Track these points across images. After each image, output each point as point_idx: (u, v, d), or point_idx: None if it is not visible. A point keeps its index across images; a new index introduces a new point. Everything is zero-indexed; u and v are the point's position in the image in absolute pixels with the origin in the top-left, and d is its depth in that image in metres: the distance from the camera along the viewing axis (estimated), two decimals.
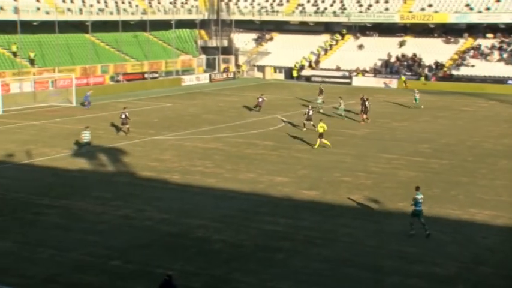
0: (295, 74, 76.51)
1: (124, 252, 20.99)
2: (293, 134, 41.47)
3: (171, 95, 61.54)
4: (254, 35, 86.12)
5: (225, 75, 77.00)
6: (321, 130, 36.63)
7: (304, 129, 42.32)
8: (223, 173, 31.24)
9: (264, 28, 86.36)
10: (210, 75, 74.97)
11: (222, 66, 79.85)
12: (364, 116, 44.93)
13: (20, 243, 21.59)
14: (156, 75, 70.45)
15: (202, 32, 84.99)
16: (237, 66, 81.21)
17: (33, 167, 32.35)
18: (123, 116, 40.67)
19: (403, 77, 69.40)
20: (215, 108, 52.95)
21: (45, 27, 65.73)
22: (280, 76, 78.28)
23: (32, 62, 61.47)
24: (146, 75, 69.07)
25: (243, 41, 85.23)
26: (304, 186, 28.95)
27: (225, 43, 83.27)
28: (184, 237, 22.46)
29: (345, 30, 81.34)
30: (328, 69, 75.66)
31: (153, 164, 32.90)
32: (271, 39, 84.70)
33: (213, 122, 45.94)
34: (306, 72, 76.32)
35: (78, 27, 71.22)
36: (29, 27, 64.37)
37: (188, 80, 71.83)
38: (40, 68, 61.41)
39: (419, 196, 22.48)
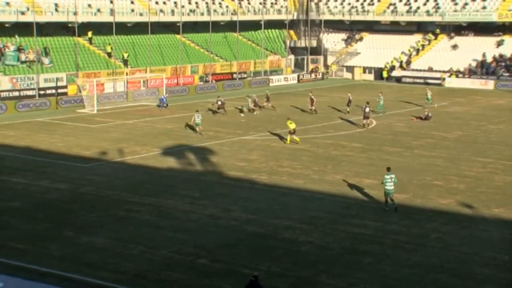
0: (385, 74, 75.34)
1: (211, 251, 21.27)
2: (381, 136, 40.87)
3: (259, 95, 61.85)
4: (343, 35, 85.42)
5: (313, 75, 76.78)
6: (292, 127, 37.57)
7: (364, 128, 42.46)
8: (310, 174, 31.14)
9: (353, 28, 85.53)
10: (298, 76, 74.95)
11: (311, 66, 79.65)
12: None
13: (113, 239, 22.29)
14: (244, 75, 71.12)
15: (291, 32, 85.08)
16: (326, 66, 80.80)
17: (125, 165, 33.33)
18: (219, 103, 46.81)
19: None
20: (303, 108, 52.85)
21: (139, 28, 67.66)
22: (370, 77, 77.28)
23: (125, 62, 63.38)
24: (235, 76, 69.87)
25: (332, 41, 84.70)
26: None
27: (314, 43, 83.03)
28: (271, 238, 22.52)
29: (438, 30, 79.35)
30: (420, 70, 74.04)
31: (241, 164, 33.19)
32: (361, 39, 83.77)
33: (301, 123, 45.90)
34: (397, 73, 75.00)
35: (169, 28, 72.94)
36: (123, 28, 66.45)
37: (276, 81, 72.11)
38: (133, 68, 63.26)
39: (388, 176, 25.25)
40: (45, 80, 54.96)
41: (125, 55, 63.66)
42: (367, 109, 42.63)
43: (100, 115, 49.69)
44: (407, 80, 72.67)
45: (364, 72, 77.87)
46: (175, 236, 22.66)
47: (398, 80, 73.72)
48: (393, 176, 25.59)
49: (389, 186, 25.41)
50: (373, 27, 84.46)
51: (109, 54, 63.93)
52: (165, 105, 52.61)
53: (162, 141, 39.00)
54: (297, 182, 29.73)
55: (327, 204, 26.39)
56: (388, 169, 26.01)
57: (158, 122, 46.50)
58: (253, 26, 79.31)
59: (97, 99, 52.48)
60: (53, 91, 54.30)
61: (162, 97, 53.85)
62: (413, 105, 51.70)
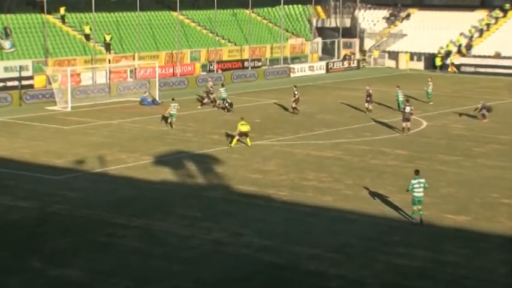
0: (438, 62, 75.18)
1: (215, 287, 21.29)
2: (434, 140, 40.77)
3: (276, 89, 62.05)
4: (385, 12, 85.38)
5: (346, 63, 76.82)
6: (244, 129, 38.77)
7: (404, 132, 42.37)
8: (342, 189, 31.11)
9: (398, 3, 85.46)
10: (327, 64, 75.03)
11: (343, 52, 79.70)
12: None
13: (91, 272, 22.32)
14: (259, 63, 71.29)
15: (319, 8, 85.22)
16: (363, 52, 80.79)
17: (108, 176, 33.43)
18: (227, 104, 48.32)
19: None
20: (333, 106, 52.83)
21: (125, 3, 68.07)
22: (419, 65, 77.18)
23: (107, 46, 63.75)
24: (246, 64, 70.03)
25: (371, 19, 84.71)
26: (450, 209, 28.36)
27: (347, 23, 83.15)
28: (292, 270, 22.52)
29: (508, 5, 79.14)
30: (484, 57, 73.78)
31: (254, 176, 33.22)
32: (407, 17, 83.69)
33: (331, 124, 45.84)
34: (454, 60, 74.77)
35: (163, 3, 73.30)
36: (105, 3, 66.84)
37: (299, 70, 72.23)
38: (117, 54, 63.60)
39: (416, 181, 26.50)
40: (5, 69, 55.38)
41: (107, 38, 64.01)
42: (408, 108, 42.32)
43: (75, 114, 49.94)
44: (468, 69, 72.46)
45: (412, 59, 77.78)
46: (170, 267, 22.70)
47: (455, 69, 73.48)
48: (422, 180, 26.74)
49: (418, 193, 26.54)
50: (424, 1, 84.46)
51: (87, 37, 64.30)
52: (155, 104, 52.72)
53: (155, 147, 39.12)
54: (325, 199, 29.71)
55: (363, 228, 26.34)
56: (417, 172, 27.23)
57: (150, 122, 46.67)
58: (270, 0, 79.47)
59: (72, 94, 52.78)
60: (16, 83, 54.68)
61: (143, 96, 53.94)
62: (473, 101, 51.53)
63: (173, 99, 45.15)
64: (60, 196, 30.02)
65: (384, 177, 32.94)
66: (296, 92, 49.12)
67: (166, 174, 33.79)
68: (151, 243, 24.73)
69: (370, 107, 49.42)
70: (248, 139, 39.17)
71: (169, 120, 44.25)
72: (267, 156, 37.19)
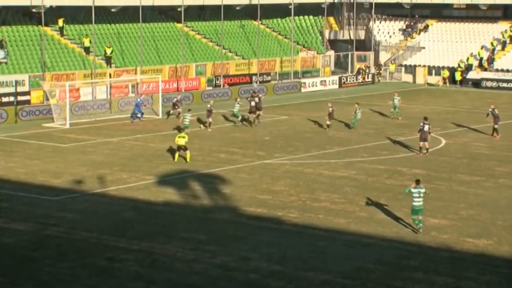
0: (458, 77, 75.23)
1: None
2: (453, 160, 40.71)
3: (287, 105, 62.10)
4: (402, 24, 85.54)
5: (360, 78, 76.92)
6: (181, 142, 39.41)
7: (422, 153, 42.02)
8: (356, 211, 31.08)
9: (416, 14, 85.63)
10: (340, 79, 75.13)
11: (357, 66, 79.83)
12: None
13: None
14: (268, 78, 71.44)
15: (331, 19, 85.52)
16: (378, 66, 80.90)
17: (108, 197, 33.45)
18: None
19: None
20: (346, 122, 52.87)
21: (126, 14, 68.46)
22: (438, 80, 77.16)
23: (108, 60, 64.02)
24: (254, 78, 70.17)
25: (386, 31, 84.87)
26: (471, 233, 28.28)
27: (362, 35, 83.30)
28: None
29: None
30: (507, 71, 73.75)
31: (263, 197, 33.21)
32: (425, 29, 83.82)
33: (344, 142, 45.83)
34: (475, 74, 74.84)
35: (167, 14, 73.65)
36: (105, 15, 67.22)
37: (310, 85, 72.33)
38: (118, 68, 63.83)
39: (416, 190, 27.87)
40: (1, 84, 55.64)
41: (108, 51, 64.30)
42: (426, 127, 42.04)
43: (74, 131, 50.07)
44: (489, 84, 72.45)
45: (430, 73, 77.84)
46: None
47: (476, 84, 73.56)
48: (422, 190, 28.13)
49: (418, 202, 27.91)
50: (443, 12, 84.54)
51: (86, 50, 64.61)
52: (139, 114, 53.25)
53: (158, 166, 39.17)
54: (338, 222, 29.67)
55: (379, 252, 26.28)
56: (417, 182, 28.65)
57: (152, 140, 46.76)
58: (280, 11, 79.84)
59: (70, 110, 52.94)
60: (11, 98, 54.88)
61: (139, 100, 54.23)
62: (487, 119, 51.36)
63: (189, 110, 48.06)
64: (57, 218, 30.04)
65: (401, 199, 32.85)
66: (330, 106, 50.68)
67: (169, 195, 33.80)
68: (153, 268, 24.71)
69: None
70: (188, 154, 39.62)
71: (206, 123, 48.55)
72: (277, 176, 37.18)
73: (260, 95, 52.96)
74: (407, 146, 44.42)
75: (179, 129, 46.75)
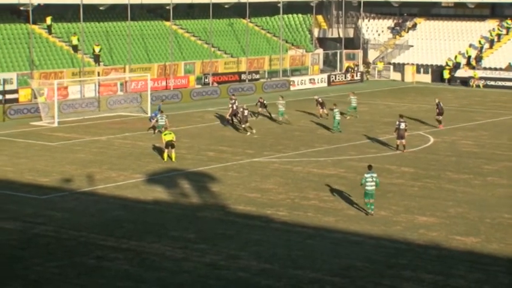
0: (446, 75, 75.37)
1: None
2: (442, 157, 40.82)
3: (276, 103, 62.03)
4: (390, 22, 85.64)
5: (349, 76, 76.98)
6: (167, 138, 39.35)
7: (399, 151, 42.28)
8: (345, 209, 31.12)
9: (404, 12, 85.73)
10: (328, 77, 75.18)
11: (346, 64, 79.88)
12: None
13: None
14: (256, 76, 71.44)
15: (320, 18, 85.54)
16: (366, 64, 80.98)
17: (96, 196, 33.42)
18: (245, 113, 47.61)
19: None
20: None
21: (114, 12, 68.32)
22: (426, 78, 77.34)
23: (96, 58, 63.91)
24: (244, 76, 70.18)
25: (375, 30, 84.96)
26: (459, 230, 28.36)
27: (350, 33, 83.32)
28: None
29: None
30: (495, 69, 74.00)
31: (252, 195, 33.23)
32: (413, 27, 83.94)
33: (333, 140, 45.88)
34: (463, 72, 75.00)
35: (156, 12, 73.52)
36: (93, 13, 67.05)
37: (299, 83, 72.36)
38: (107, 66, 63.72)
39: (369, 175, 29.87)
40: None
41: (96, 49, 64.19)
42: (403, 125, 42.05)
43: (62, 129, 49.96)
44: (478, 82, 72.50)
45: (418, 71, 77.93)
46: None
47: (464, 82, 73.72)
48: (375, 175, 30.19)
49: (370, 186, 29.97)
50: (431, 11, 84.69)
51: (75, 48, 64.47)
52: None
53: (147, 165, 39.14)
54: (326, 220, 29.70)
55: (368, 250, 26.32)
56: (370, 167, 30.66)
57: (141, 138, 46.70)
58: (269, 9, 79.81)
59: (58, 108, 52.84)
60: None
61: (155, 112, 53.56)
62: (482, 115, 51.62)
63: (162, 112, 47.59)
64: (45, 217, 29.98)
65: (389, 197, 32.94)
66: (317, 97, 53.70)
67: (158, 193, 33.77)
68: (142, 266, 24.68)
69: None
70: (173, 153, 39.60)
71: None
72: (266, 174, 37.19)
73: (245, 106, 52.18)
74: (386, 144, 44.40)
75: (154, 128, 46.85)
